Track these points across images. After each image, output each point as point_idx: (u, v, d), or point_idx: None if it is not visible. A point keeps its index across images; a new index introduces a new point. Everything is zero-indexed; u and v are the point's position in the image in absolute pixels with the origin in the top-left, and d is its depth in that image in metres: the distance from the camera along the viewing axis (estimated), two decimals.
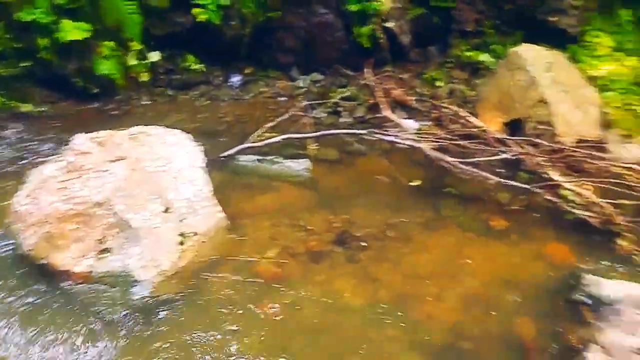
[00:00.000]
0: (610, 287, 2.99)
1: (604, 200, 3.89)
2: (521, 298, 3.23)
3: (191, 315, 3.11)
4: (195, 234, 3.41)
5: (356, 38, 5.75)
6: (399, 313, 3.13)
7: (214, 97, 5.90)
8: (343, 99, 5.59)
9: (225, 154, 4.63)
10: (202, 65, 6.08)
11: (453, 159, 4.12)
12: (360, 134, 4.47)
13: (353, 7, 5.57)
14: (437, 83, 5.74)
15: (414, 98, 5.51)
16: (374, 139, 4.67)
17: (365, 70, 5.77)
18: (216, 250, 3.55)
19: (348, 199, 4.18)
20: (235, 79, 6.12)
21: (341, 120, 5.39)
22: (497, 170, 4.50)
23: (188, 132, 4.08)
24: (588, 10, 6.11)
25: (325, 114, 5.43)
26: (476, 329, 3.03)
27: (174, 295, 3.20)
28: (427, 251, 3.65)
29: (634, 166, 4.38)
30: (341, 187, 4.37)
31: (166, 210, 3.38)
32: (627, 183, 4.07)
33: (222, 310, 3.14)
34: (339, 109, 5.50)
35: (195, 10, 5.58)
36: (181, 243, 3.31)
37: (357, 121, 5.36)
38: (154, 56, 5.89)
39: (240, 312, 3.13)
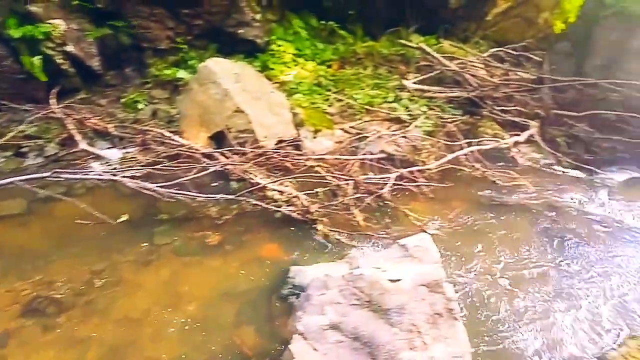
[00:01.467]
0: (306, 274, 3.28)
1: (302, 193, 4.31)
2: (240, 308, 3.28)
3: None
4: None
5: (29, 67, 4.98)
6: None
7: None
8: (27, 137, 4.78)
9: None
10: None
11: (155, 185, 3.92)
12: (42, 177, 3.85)
13: (15, 33, 4.78)
14: (139, 105, 5.46)
15: (114, 125, 5.10)
16: (76, 178, 4.11)
17: (50, 101, 5.07)
18: None
19: (42, 256, 3.56)
20: None
21: (28, 162, 4.62)
22: (212, 184, 4.56)
23: None
24: (270, 22, 6.75)
25: (4, 159, 4.54)
26: (200, 357, 2.93)
27: None
28: (141, 289, 3.38)
29: (325, 156, 5.04)
30: (32, 244, 3.69)
31: None
32: (319, 174, 4.62)
33: None
34: (24, 149, 4.69)
35: None
36: None
37: (50, 160, 4.67)
38: None
39: None
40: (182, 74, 5.74)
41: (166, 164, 4.40)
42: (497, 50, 7.33)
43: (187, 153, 4.63)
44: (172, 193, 3.88)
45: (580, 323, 3.33)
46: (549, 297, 3.53)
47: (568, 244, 4.16)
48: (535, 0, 9.34)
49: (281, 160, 4.73)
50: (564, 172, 5.55)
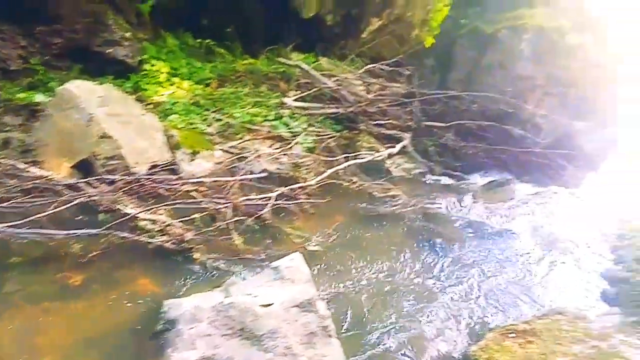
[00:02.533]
0: (181, 307, 3.12)
1: (177, 220, 4.12)
2: (106, 354, 3.02)
3: None
4: None
5: None
6: None
7: None
8: None
9: None
10: None
11: (3, 225, 3.50)
12: None
13: None
14: None
15: None
16: None
17: None
18: None
19: None
20: None
21: None
22: (76, 218, 4.18)
23: None
24: (142, 40, 6.45)
25: None
26: None
27: None
28: None
29: (203, 179, 4.89)
30: None
31: None
32: (195, 199, 4.47)
33: None
34: None
35: None
36: None
37: None
38: None
39: None
40: (39, 97, 5.22)
41: (20, 200, 3.95)
42: (372, 67, 7.74)
43: (46, 185, 4.20)
44: (24, 233, 3.49)
45: (447, 322, 3.58)
46: (420, 300, 3.74)
47: (438, 248, 4.47)
48: (406, 18, 10.05)
49: (154, 186, 4.49)
50: (435, 179, 5.99)
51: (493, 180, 6.05)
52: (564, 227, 5.09)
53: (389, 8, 9.29)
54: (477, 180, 6.17)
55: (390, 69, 7.85)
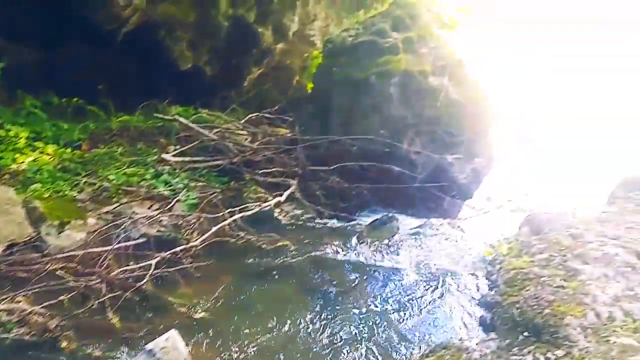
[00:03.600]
0: None
1: (40, 306, 3.68)
2: None
3: None
4: None
5: None
6: None
7: None
8: None
9: None
10: None
11: None
12: None
13: None
14: None
15: None
16: None
17: None
18: None
19: None
20: None
21: None
22: None
23: None
24: None
25: None
26: None
27: None
28: None
29: (73, 253, 4.46)
30: None
31: None
32: (63, 278, 4.05)
33: None
34: None
35: None
36: None
37: None
38: None
39: None
40: None
41: None
42: (254, 115, 7.80)
43: None
44: None
45: None
46: (318, 355, 3.68)
47: (328, 297, 4.48)
48: (287, 65, 10.39)
49: (11, 270, 4.00)
50: (323, 223, 6.09)
51: (377, 219, 6.30)
52: (444, 258, 5.42)
53: (268, 56, 9.57)
54: (364, 219, 6.40)
55: (274, 116, 7.97)
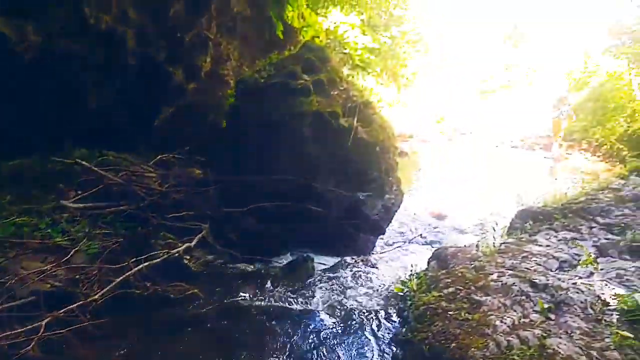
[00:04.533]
0: None
1: None
2: None
3: None
4: None
5: None
6: None
7: None
8: None
9: None
10: None
11: None
12: None
13: None
14: None
15: None
16: None
17: None
18: None
19: None
20: None
21: None
22: None
23: None
24: None
25: None
26: None
27: None
28: None
29: None
30: None
31: None
32: None
33: None
34: None
35: None
36: None
37: None
38: None
39: None
40: None
41: None
42: (165, 156, 7.52)
43: None
44: None
45: None
46: None
47: (240, 350, 4.30)
48: (199, 104, 10.22)
49: None
50: (236, 268, 5.92)
51: (293, 260, 6.26)
52: (359, 297, 5.47)
53: (180, 96, 9.37)
54: (279, 261, 6.32)
55: (185, 157, 7.74)
